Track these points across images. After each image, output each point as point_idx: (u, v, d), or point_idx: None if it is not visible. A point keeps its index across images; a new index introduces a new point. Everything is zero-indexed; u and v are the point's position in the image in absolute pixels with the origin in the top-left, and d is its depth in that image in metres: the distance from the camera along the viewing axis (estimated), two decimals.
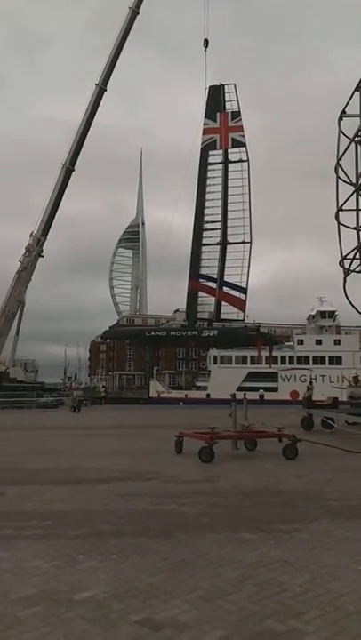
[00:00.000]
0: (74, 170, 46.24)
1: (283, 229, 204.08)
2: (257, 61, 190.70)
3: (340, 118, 35.00)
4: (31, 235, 45.53)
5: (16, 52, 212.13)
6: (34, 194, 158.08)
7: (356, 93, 33.32)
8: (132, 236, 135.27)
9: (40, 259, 46.12)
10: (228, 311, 62.80)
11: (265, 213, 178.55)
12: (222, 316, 62.93)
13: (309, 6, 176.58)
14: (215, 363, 69.79)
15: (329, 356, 67.87)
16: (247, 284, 61.95)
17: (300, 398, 35.43)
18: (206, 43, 59.02)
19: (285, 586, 3.80)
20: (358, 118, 33.76)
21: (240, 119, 64.44)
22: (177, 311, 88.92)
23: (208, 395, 63.18)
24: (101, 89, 46.59)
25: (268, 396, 58.75)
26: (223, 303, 62.70)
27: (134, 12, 47.22)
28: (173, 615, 3.32)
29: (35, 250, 45.17)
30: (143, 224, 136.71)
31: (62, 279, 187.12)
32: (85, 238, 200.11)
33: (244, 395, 14.38)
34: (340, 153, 34.85)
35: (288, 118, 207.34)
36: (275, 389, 64.06)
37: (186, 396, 66.39)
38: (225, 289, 62.21)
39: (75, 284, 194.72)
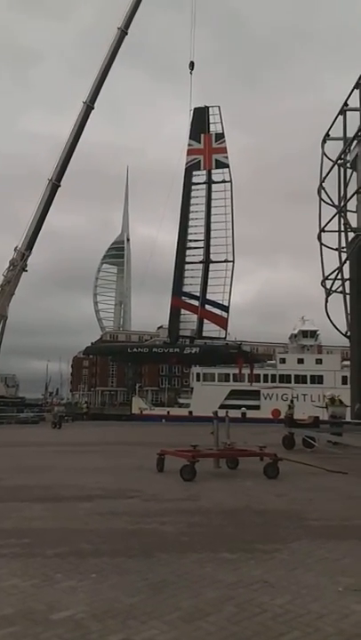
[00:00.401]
0: (60, 185, 46.38)
1: (267, 249, 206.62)
2: (244, 83, 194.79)
3: (324, 141, 35.62)
4: (16, 249, 45.43)
5: (7, 66, 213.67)
6: (21, 208, 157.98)
7: (340, 117, 33.98)
8: (117, 252, 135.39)
9: (24, 273, 46.00)
10: (210, 329, 63.09)
11: (250, 232, 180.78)
12: (204, 334, 63.26)
13: (299, 30, 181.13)
14: (198, 380, 69.83)
15: (311, 375, 68.30)
16: (229, 303, 62.54)
17: (282, 417, 35.40)
18: (192, 65, 59.85)
19: (266, 606, 3.78)
20: (342, 141, 34.38)
21: (224, 141, 65.45)
22: (161, 328, 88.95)
23: (190, 412, 63.11)
24: (89, 107, 46.99)
25: (251, 414, 58.86)
26: (205, 321, 63.03)
27: (123, 33, 47.84)
28: (152, 636, 3.29)
29: (19, 264, 45.04)
30: (128, 240, 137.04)
31: (47, 294, 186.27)
32: (72, 253, 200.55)
33: (227, 412, 14.39)
34: (324, 175, 35.39)
35: (275, 139, 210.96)
36: (257, 407, 64.22)
37: (168, 412, 66.24)
38: (207, 307, 62.68)
39: (59, 299, 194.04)
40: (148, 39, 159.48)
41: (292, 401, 24.04)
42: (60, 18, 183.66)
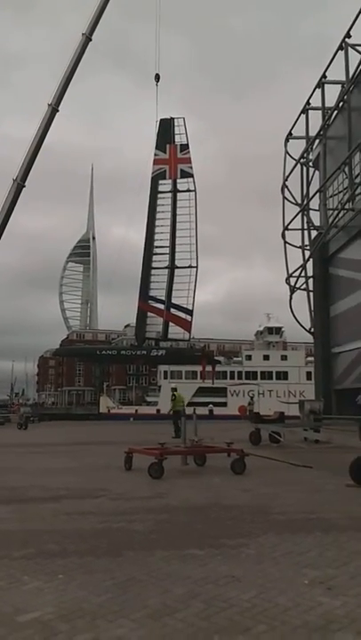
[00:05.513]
0: (25, 186, 45.95)
1: (240, 249, 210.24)
2: (227, 91, 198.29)
3: (287, 140, 36.02)
4: None
5: None
6: None
7: (303, 116, 34.43)
8: (83, 251, 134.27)
9: None
10: (175, 331, 64.63)
11: (224, 233, 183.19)
12: (170, 336, 64.76)
13: (283, 41, 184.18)
14: (165, 378, 70.09)
15: (276, 372, 69.31)
16: (193, 306, 64.32)
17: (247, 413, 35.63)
18: (157, 77, 60.49)
19: (233, 601, 3.81)
20: (304, 140, 34.82)
21: (188, 151, 67.50)
22: (127, 326, 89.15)
23: (158, 410, 63.20)
24: (54, 109, 46.75)
25: (218, 410, 59.35)
26: (170, 324, 64.52)
27: (87, 39, 47.88)
28: (121, 635, 3.28)
29: None
30: (94, 239, 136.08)
31: (17, 293, 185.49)
32: (44, 253, 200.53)
33: (194, 410, 14.46)
34: (287, 174, 35.78)
35: (254, 142, 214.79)
36: (224, 404, 64.83)
37: (136, 411, 66.34)
38: (172, 310, 64.43)
39: (28, 299, 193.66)
40: (137, 46, 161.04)
41: (251, 397, 23.92)
42: (45, 24, 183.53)
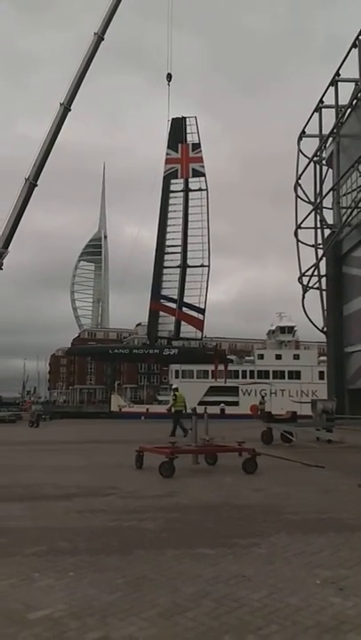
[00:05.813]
0: (37, 185, 46.10)
1: (252, 248, 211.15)
2: (241, 89, 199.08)
3: (300, 138, 35.81)
4: None
5: (6, 72, 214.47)
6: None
7: (316, 114, 34.22)
8: (95, 250, 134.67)
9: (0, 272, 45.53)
10: (187, 330, 64.79)
11: (237, 232, 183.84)
12: (182, 335, 64.93)
13: (298, 39, 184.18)
14: (177, 377, 70.12)
15: (288, 371, 69.11)
16: (205, 305, 64.42)
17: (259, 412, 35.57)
18: (169, 77, 60.55)
19: (244, 601, 3.79)
20: (317, 138, 34.61)
21: (200, 150, 67.74)
22: (139, 325, 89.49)
23: (170, 409, 63.37)
24: (66, 108, 46.90)
25: (230, 410, 59.28)
26: (183, 323, 64.75)
27: (99, 38, 47.96)
28: (131, 633, 3.28)
29: None
30: (106, 238, 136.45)
31: (30, 292, 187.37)
32: (58, 252, 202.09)
33: (205, 409, 14.43)
34: (300, 172, 35.59)
35: (267, 140, 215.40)
36: (236, 404, 64.76)
37: (147, 410, 66.35)
38: (184, 309, 64.66)
39: (39, 298, 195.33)
40: (150, 45, 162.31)
41: (263, 397, 24.26)
42: (60, 25, 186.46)
